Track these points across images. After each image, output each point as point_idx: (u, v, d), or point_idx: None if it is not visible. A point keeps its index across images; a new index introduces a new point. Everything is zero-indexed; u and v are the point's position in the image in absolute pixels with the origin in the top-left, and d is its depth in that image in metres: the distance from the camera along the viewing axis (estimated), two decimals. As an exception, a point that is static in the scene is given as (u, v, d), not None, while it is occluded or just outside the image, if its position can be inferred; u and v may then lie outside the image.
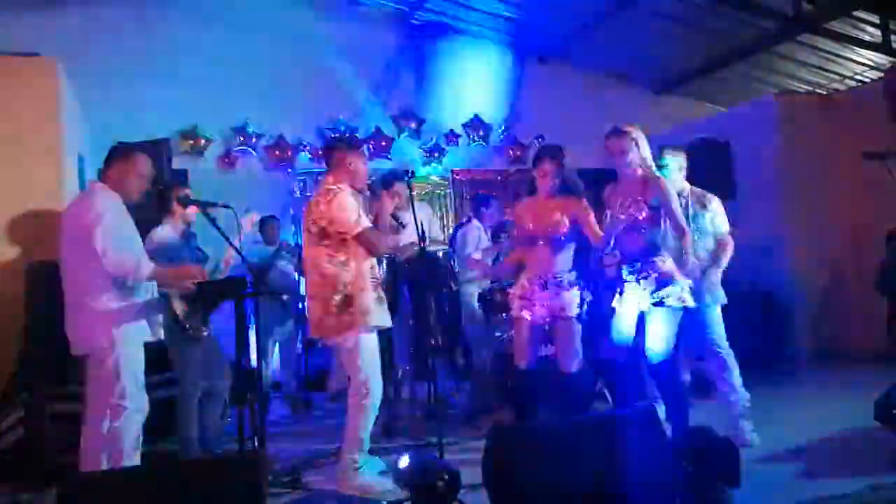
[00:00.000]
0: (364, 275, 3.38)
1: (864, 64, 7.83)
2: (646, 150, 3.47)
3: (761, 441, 3.71)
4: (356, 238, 3.33)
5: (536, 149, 5.35)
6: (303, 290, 6.12)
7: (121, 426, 3.07)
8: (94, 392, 3.11)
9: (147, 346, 3.30)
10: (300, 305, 6.11)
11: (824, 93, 8.00)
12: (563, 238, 3.60)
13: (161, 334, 3.37)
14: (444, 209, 8.13)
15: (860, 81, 7.97)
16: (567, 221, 3.50)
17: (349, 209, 3.32)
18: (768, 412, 4.39)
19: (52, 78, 4.77)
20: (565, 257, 3.68)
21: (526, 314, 3.64)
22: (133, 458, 3.08)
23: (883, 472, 3.00)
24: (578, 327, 3.64)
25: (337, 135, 7.42)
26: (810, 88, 8.25)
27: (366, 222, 3.35)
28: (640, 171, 3.44)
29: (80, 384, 3.25)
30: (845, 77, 8.13)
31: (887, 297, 6.38)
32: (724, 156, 6.80)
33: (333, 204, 3.32)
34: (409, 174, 4.13)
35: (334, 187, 3.40)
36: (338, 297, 3.31)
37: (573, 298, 3.61)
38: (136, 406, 3.12)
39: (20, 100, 4.62)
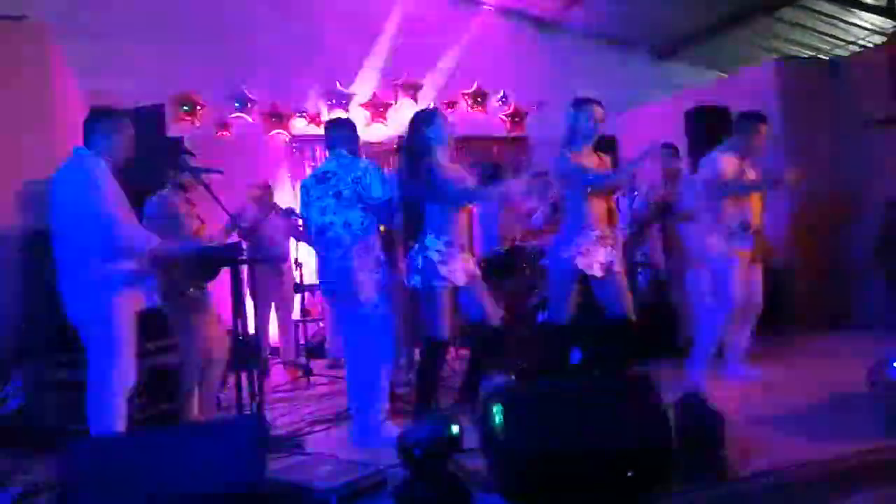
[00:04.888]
0: (378, 238, 3.69)
1: (868, 29, 7.73)
2: None
3: (755, 403, 3.77)
4: (381, 206, 3.59)
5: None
6: (295, 255, 6.16)
7: (106, 395, 3.06)
8: (88, 359, 3.13)
9: (147, 312, 3.30)
10: (296, 272, 6.12)
11: (826, 58, 7.92)
12: None
13: (156, 300, 3.36)
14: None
15: (863, 46, 7.87)
16: None
17: (381, 178, 3.61)
18: (766, 377, 4.43)
19: (43, 42, 4.67)
20: None
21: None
22: (119, 428, 3.05)
23: (872, 437, 3.04)
24: None
25: (345, 107, 7.59)
26: (813, 54, 8.15)
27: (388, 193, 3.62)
28: None
29: (80, 352, 3.25)
30: (848, 42, 8.03)
31: (885, 265, 6.40)
32: (725, 122, 6.73)
33: (368, 170, 3.59)
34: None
35: (358, 157, 3.69)
36: (371, 258, 3.57)
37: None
38: (119, 376, 3.09)
39: (9, 65, 4.53)
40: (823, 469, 2.73)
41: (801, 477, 2.68)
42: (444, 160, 3.65)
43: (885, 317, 6.24)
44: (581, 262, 3.70)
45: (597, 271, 3.72)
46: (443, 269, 3.54)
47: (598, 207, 3.78)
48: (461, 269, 3.61)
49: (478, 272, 3.73)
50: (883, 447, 2.92)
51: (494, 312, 3.76)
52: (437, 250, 3.56)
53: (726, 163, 4.28)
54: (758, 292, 4.38)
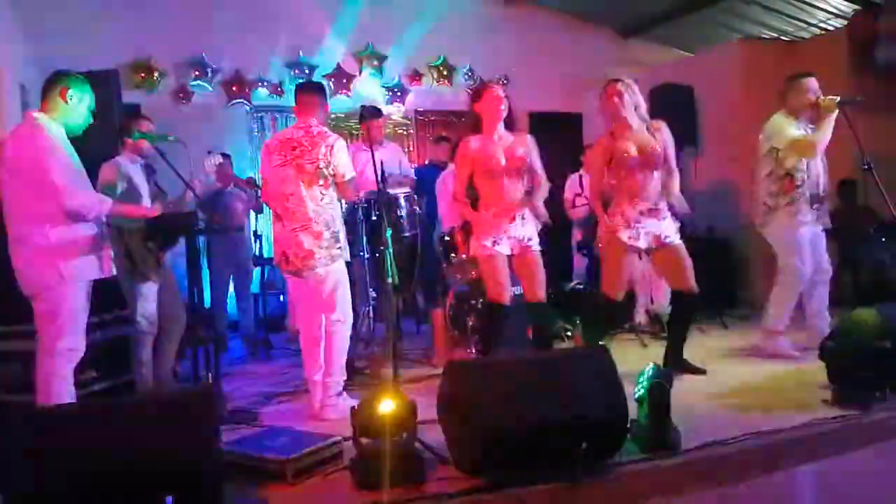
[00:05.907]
0: (340, 214, 3.72)
1: (829, 12, 7.82)
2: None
3: (712, 379, 3.85)
4: (344, 184, 3.62)
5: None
6: (256, 228, 6.08)
7: (54, 366, 2.99)
8: (38, 329, 3.05)
9: (102, 282, 3.21)
10: (255, 244, 6.04)
11: (787, 39, 8.01)
12: None
13: (112, 270, 3.27)
14: (406, 150, 7.99)
15: (824, 29, 7.98)
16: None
17: (347, 156, 3.63)
18: (722, 352, 4.53)
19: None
20: None
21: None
22: (67, 399, 2.99)
23: (821, 409, 3.14)
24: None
25: (308, 78, 7.38)
26: (776, 35, 8.23)
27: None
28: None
29: (29, 322, 3.16)
30: (810, 25, 8.12)
31: (837, 243, 6.56)
32: (688, 100, 6.80)
33: (335, 148, 3.56)
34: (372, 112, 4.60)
35: (327, 131, 3.66)
36: (328, 233, 3.55)
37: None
38: (68, 346, 3.02)
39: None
40: (766, 441, 2.79)
41: (745, 449, 2.73)
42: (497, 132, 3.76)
43: (836, 293, 6.40)
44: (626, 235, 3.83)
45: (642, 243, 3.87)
46: (488, 239, 3.67)
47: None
48: (511, 238, 3.73)
49: (529, 242, 3.79)
50: (823, 420, 3.01)
51: (543, 283, 3.81)
52: (486, 221, 3.71)
53: (789, 123, 4.32)
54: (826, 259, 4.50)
